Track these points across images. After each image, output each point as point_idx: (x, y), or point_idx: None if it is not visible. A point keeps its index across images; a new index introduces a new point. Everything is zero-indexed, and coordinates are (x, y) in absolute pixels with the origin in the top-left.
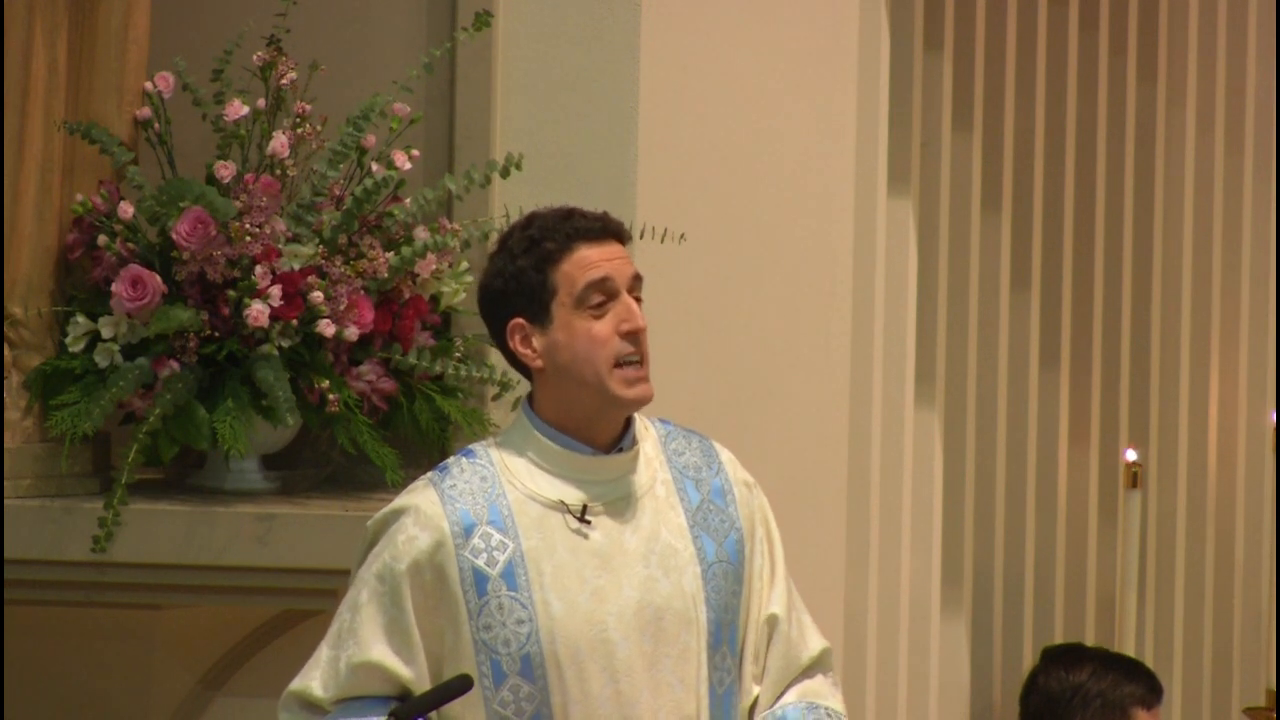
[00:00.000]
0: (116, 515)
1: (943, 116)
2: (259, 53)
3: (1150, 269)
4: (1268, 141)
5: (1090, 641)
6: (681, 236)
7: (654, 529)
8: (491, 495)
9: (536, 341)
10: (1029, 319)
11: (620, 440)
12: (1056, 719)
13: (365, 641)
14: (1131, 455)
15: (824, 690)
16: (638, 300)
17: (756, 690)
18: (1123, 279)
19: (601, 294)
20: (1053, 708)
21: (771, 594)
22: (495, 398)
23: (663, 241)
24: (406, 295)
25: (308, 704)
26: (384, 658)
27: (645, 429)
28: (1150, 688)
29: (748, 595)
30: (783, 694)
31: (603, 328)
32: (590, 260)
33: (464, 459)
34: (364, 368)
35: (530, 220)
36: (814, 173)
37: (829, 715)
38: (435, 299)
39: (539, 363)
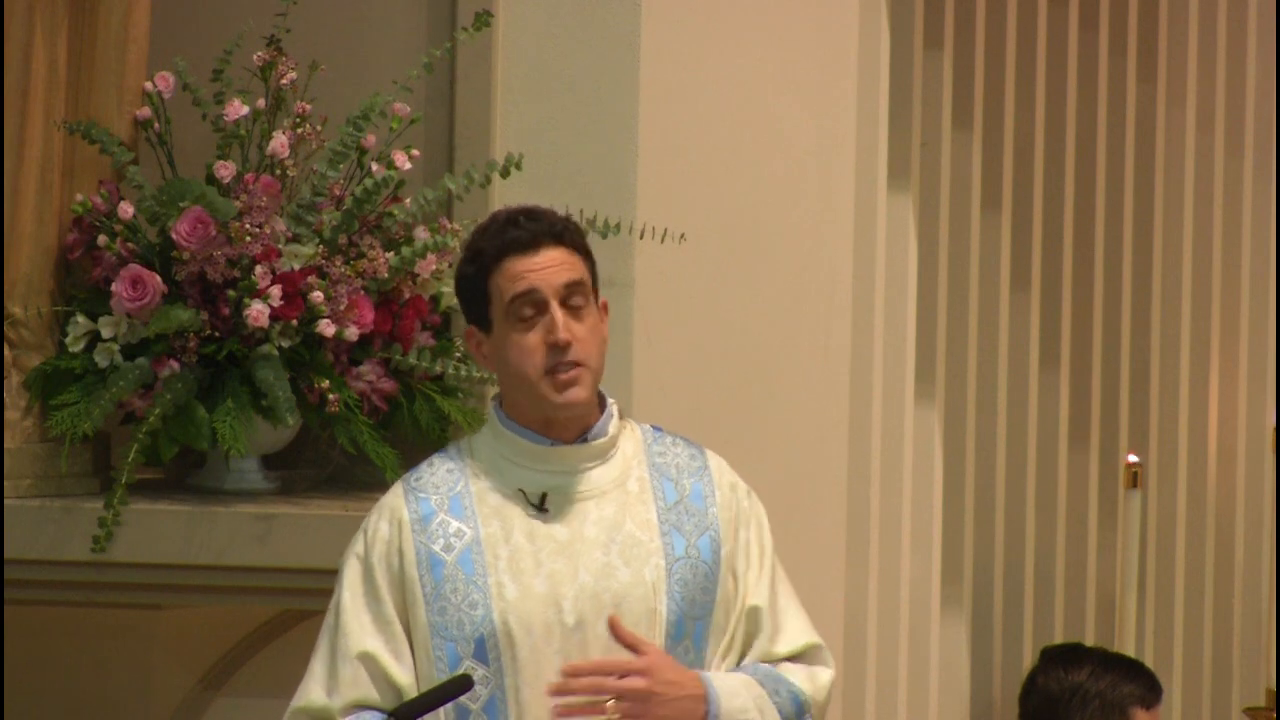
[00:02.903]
0: (116, 515)
1: (943, 116)
2: (259, 53)
3: (1150, 269)
4: (1268, 141)
5: (1090, 641)
6: (681, 236)
7: (618, 520)
8: (455, 487)
9: (485, 347)
10: (1029, 319)
11: (585, 434)
12: (1056, 719)
13: (355, 634)
14: (1132, 457)
15: (793, 669)
16: (575, 308)
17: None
18: (1123, 279)
19: (529, 306)
20: (1052, 708)
21: (755, 590)
22: (495, 397)
23: (663, 241)
24: (406, 295)
25: (313, 716)
26: (376, 649)
27: (630, 430)
28: (1150, 688)
29: (728, 595)
30: None
31: (531, 339)
32: (516, 272)
33: (437, 456)
34: (364, 368)
35: (486, 225)
36: (814, 172)
37: (779, 683)
38: (435, 299)
39: (491, 366)
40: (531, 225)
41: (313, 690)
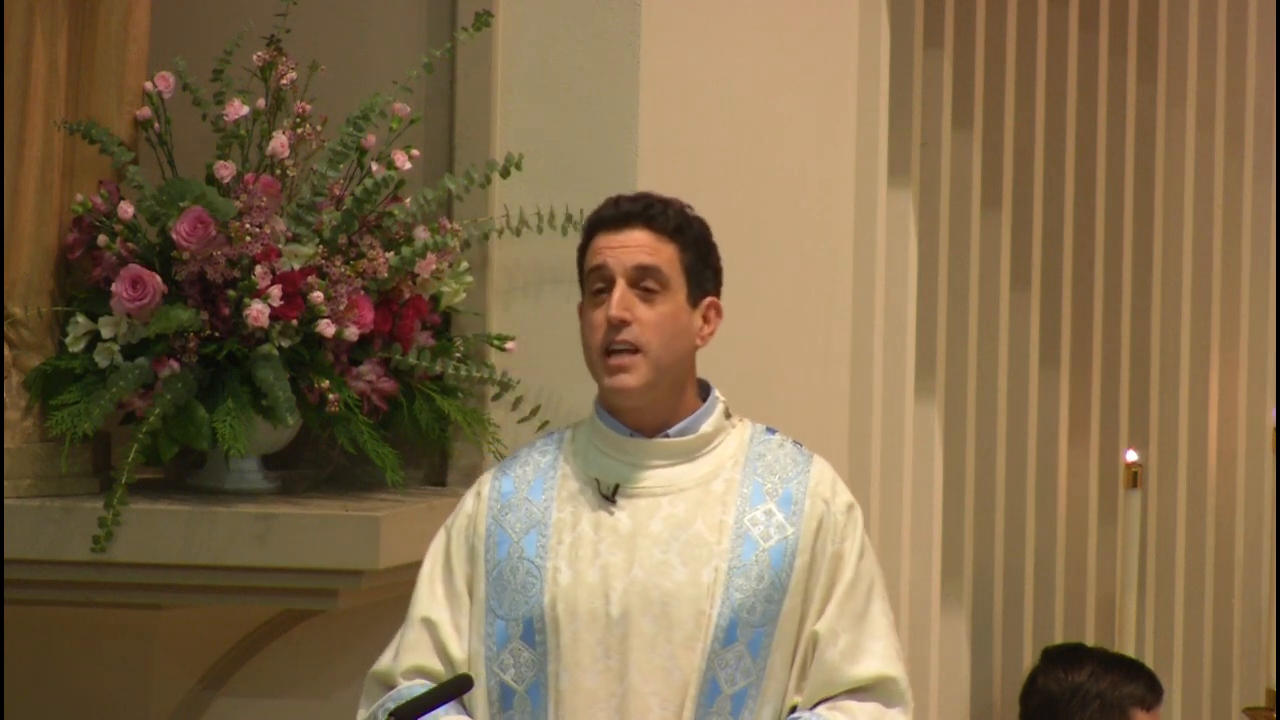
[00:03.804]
0: (116, 515)
1: (943, 115)
2: (259, 53)
3: (1150, 269)
4: (1268, 141)
5: (1090, 641)
6: None
7: (687, 519)
8: (544, 469)
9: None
10: (1029, 318)
11: (669, 428)
12: (1056, 719)
13: (424, 602)
14: (1132, 456)
15: (855, 710)
16: (647, 291)
17: (796, 700)
18: (1123, 279)
19: (600, 280)
20: (1052, 708)
21: (823, 613)
22: (495, 398)
23: None
24: (406, 295)
25: (379, 680)
26: (440, 618)
27: (739, 429)
28: (1150, 688)
29: (797, 607)
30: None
31: (597, 315)
32: (597, 248)
33: (545, 437)
34: (364, 368)
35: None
36: (814, 171)
37: None
38: (435, 299)
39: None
40: (627, 206)
41: (385, 655)
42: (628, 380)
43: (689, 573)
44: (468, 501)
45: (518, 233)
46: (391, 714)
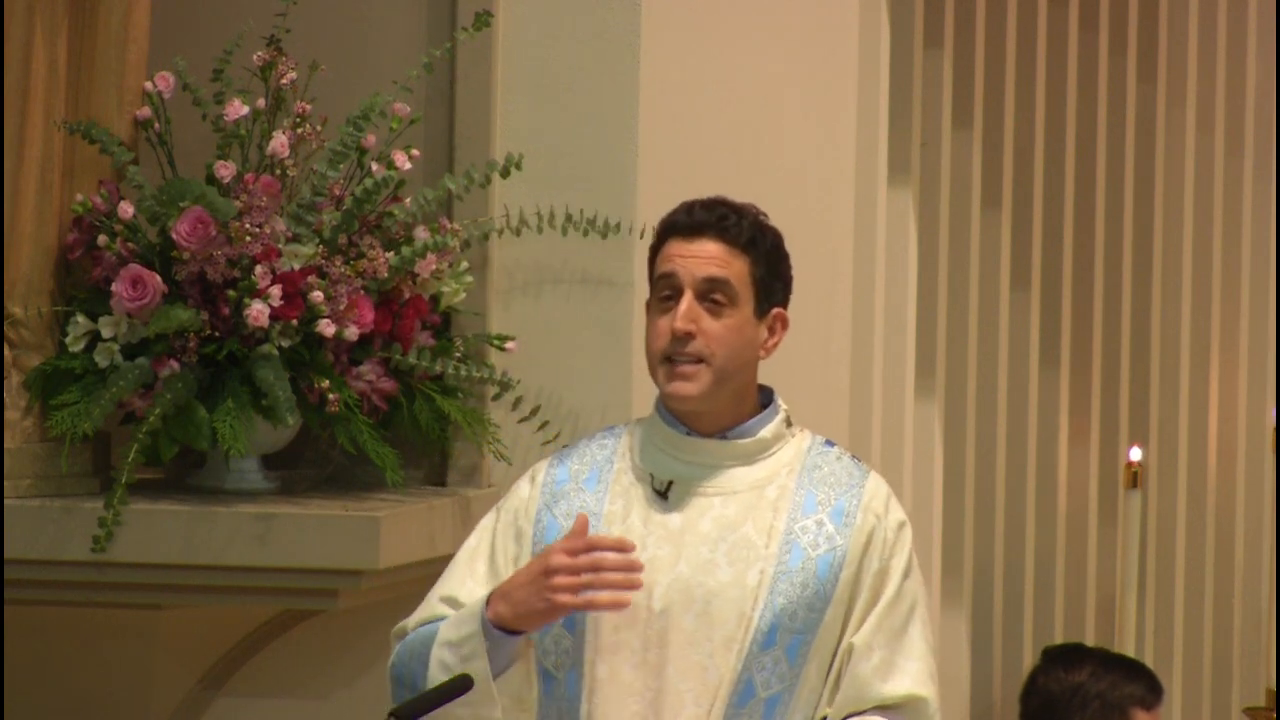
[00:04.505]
0: (116, 515)
1: (943, 115)
2: (259, 53)
3: (1150, 269)
4: (1268, 141)
5: (1090, 641)
6: None
7: (737, 520)
8: (600, 462)
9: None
10: (1029, 317)
11: (726, 431)
12: (1056, 719)
13: (457, 578)
14: (1136, 455)
15: None
16: (715, 304)
17: (826, 711)
18: (1123, 279)
19: (668, 288)
20: (1052, 708)
21: (862, 627)
22: (495, 398)
23: None
24: (406, 295)
25: (396, 634)
26: (462, 592)
27: (798, 439)
28: (1150, 688)
29: (841, 620)
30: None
31: (662, 322)
32: (668, 254)
33: (602, 432)
34: (364, 368)
35: (680, 204)
36: (814, 171)
37: None
38: (435, 299)
39: None
40: (702, 214)
41: (412, 616)
42: (688, 389)
43: (734, 573)
44: (522, 485)
45: (518, 233)
46: (392, 714)
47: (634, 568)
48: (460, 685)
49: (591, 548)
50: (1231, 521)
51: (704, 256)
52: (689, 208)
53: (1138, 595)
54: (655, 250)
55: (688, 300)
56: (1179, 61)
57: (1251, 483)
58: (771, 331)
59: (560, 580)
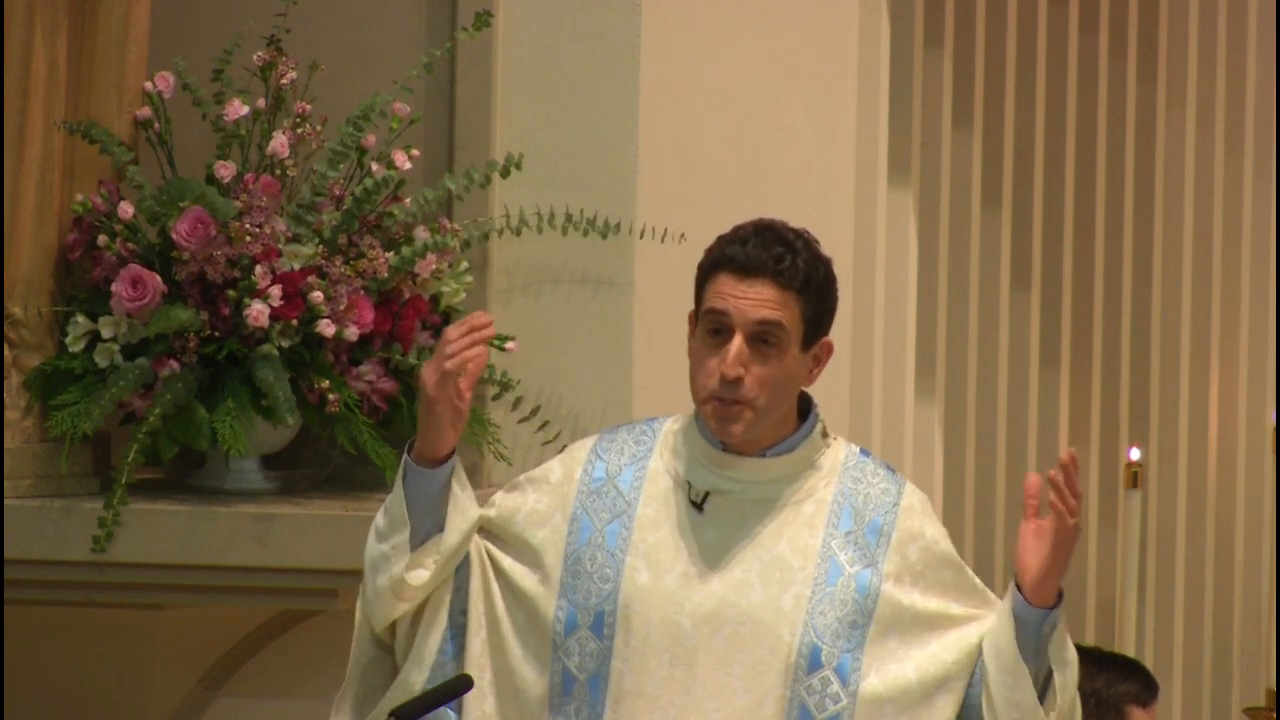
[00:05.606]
0: (116, 515)
1: (943, 115)
2: (259, 53)
3: (1150, 269)
4: (1268, 141)
5: (1090, 641)
6: (681, 236)
7: (772, 539)
8: (637, 459)
9: (690, 339)
10: (1029, 317)
11: (765, 449)
12: None
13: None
14: (1135, 455)
15: None
16: (765, 345)
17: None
18: (1123, 279)
19: (717, 323)
20: None
21: (964, 625)
22: (495, 398)
23: (663, 241)
24: (406, 295)
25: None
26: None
27: (833, 450)
28: (1145, 685)
29: (884, 635)
30: None
31: (711, 361)
32: (720, 290)
33: (641, 424)
34: (364, 368)
35: (737, 228)
36: (814, 171)
37: None
38: (435, 299)
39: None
40: (758, 252)
41: None
42: (735, 430)
43: (767, 595)
44: (556, 469)
45: (518, 233)
46: (392, 713)
47: (476, 327)
48: (460, 685)
49: (445, 338)
50: (1231, 522)
51: (758, 300)
52: (743, 240)
53: (1137, 595)
54: (705, 276)
55: (738, 345)
56: (1179, 61)
57: (1251, 483)
58: (817, 361)
59: (427, 371)
